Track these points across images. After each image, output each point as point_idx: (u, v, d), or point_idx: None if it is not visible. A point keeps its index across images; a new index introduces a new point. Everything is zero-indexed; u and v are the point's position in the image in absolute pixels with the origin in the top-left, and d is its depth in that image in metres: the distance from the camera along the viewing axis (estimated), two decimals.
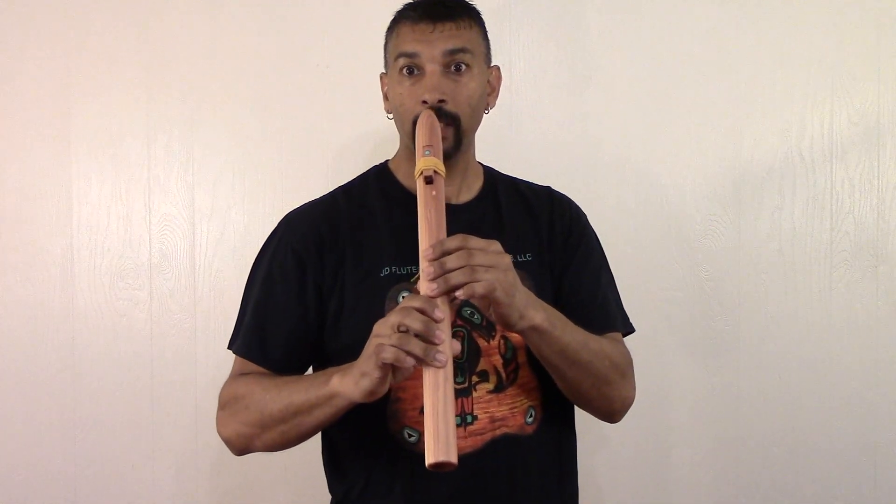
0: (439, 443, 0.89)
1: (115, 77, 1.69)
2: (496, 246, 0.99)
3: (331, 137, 1.69)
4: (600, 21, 1.69)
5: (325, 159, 1.69)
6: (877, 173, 1.70)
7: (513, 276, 0.99)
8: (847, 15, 1.68)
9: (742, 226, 1.70)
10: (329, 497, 1.23)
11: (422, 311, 0.94)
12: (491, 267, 0.96)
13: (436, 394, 0.91)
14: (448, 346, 0.94)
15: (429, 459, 0.89)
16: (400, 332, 0.93)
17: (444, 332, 0.94)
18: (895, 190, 1.69)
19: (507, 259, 0.99)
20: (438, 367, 0.92)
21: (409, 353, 0.92)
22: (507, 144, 1.66)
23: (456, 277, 0.95)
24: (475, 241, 0.97)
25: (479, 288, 0.95)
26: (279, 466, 1.69)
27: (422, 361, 0.93)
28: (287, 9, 1.69)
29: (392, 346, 0.92)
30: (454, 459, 0.89)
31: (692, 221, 1.70)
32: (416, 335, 0.93)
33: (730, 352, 1.71)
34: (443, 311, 0.95)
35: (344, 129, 1.69)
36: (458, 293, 0.96)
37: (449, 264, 0.95)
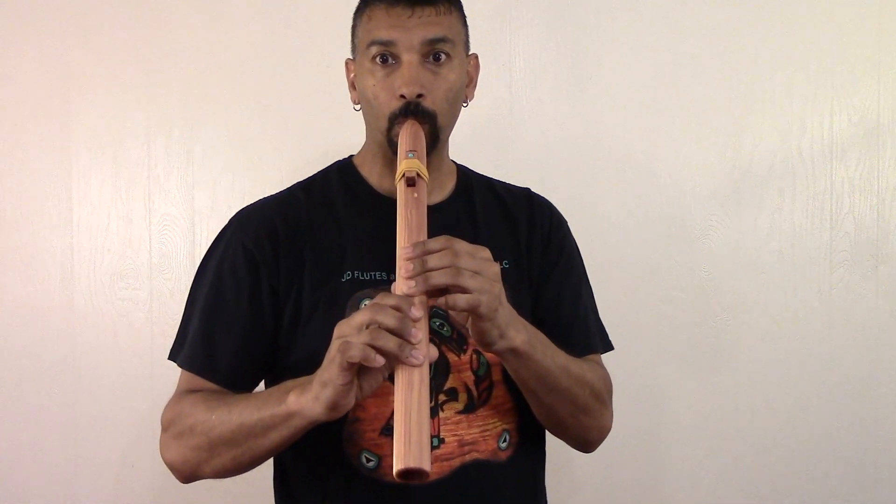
0: (411, 447, 0.78)
1: (115, 77, 1.69)
2: (485, 252, 0.89)
3: (331, 137, 1.69)
4: (600, 21, 1.69)
5: (325, 159, 1.68)
6: (877, 173, 1.70)
7: (499, 289, 0.89)
8: (847, 15, 1.68)
9: (742, 226, 1.70)
10: None
11: (396, 309, 0.83)
12: (477, 273, 0.86)
13: (409, 395, 0.81)
14: (425, 346, 0.83)
15: (397, 465, 0.78)
16: (369, 329, 0.82)
17: (420, 332, 0.83)
18: (895, 190, 1.70)
19: (496, 268, 0.89)
20: (414, 366, 0.82)
21: (379, 351, 0.81)
22: (507, 144, 1.66)
23: (437, 277, 0.85)
24: (462, 244, 0.88)
25: (461, 301, 0.85)
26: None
27: (395, 359, 0.82)
28: (287, 9, 1.69)
29: (360, 342, 0.81)
30: (427, 467, 0.78)
31: (692, 221, 1.70)
32: (389, 332, 0.82)
33: (729, 352, 1.70)
34: (420, 310, 0.84)
35: (344, 128, 1.68)
36: (439, 301, 0.86)
37: (431, 263, 0.85)
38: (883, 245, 1.70)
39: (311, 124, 1.69)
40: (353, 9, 1.68)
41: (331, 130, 1.69)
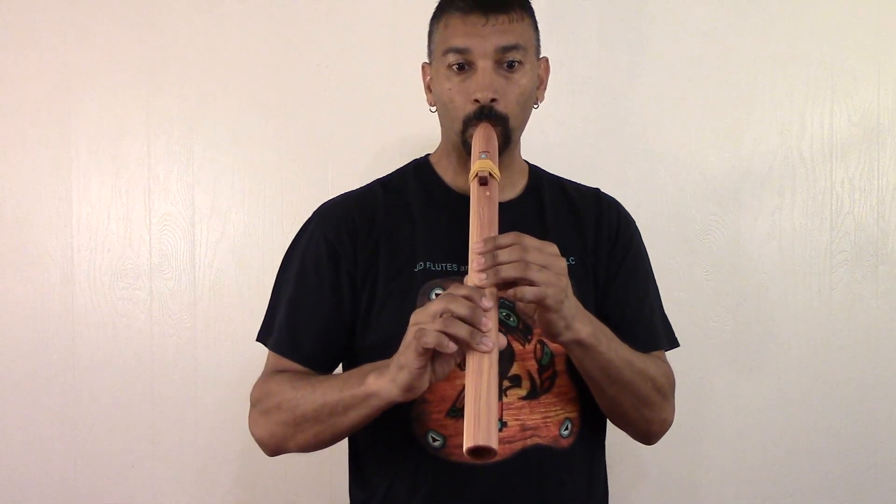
0: (480, 427, 0.83)
1: (115, 77, 1.69)
2: (553, 248, 0.94)
3: (331, 137, 1.69)
4: (600, 21, 1.69)
5: (325, 159, 1.69)
6: (877, 173, 1.70)
7: (566, 282, 0.94)
8: (847, 15, 1.68)
9: (742, 226, 1.70)
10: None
11: (468, 299, 0.89)
12: (544, 267, 0.91)
13: (479, 378, 0.86)
14: (495, 334, 0.89)
15: (467, 443, 0.83)
16: (442, 317, 0.88)
17: (490, 321, 0.89)
18: (895, 190, 1.69)
19: (563, 263, 0.94)
20: (484, 352, 0.87)
21: (451, 338, 0.87)
22: None
23: (507, 270, 0.90)
24: (531, 240, 0.93)
25: (529, 293, 0.91)
26: (279, 466, 1.69)
27: (466, 346, 0.87)
28: (287, 9, 1.69)
29: (434, 330, 0.87)
30: (495, 445, 0.83)
31: (692, 221, 1.70)
32: (461, 320, 0.88)
33: (729, 352, 1.71)
34: (490, 301, 0.90)
35: (344, 129, 1.69)
36: (509, 293, 0.92)
37: (501, 257, 0.91)
38: (883, 245, 1.70)
39: (311, 124, 1.69)
40: (352, 9, 1.69)
41: (331, 130, 1.69)
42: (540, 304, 0.92)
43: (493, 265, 0.91)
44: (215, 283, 1.70)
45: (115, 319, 1.70)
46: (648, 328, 1.18)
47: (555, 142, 1.69)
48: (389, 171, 1.24)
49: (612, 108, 1.69)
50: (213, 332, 1.69)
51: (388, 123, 1.66)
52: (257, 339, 1.17)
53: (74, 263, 1.71)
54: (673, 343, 1.23)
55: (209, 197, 1.70)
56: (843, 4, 1.68)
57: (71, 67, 1.70)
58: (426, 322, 0.89)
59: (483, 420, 0.84)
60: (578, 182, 1.26)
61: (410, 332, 0.90)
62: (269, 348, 1.15)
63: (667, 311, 1.67)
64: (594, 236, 1.18)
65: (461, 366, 0.90)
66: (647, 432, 1.16)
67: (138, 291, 1.70)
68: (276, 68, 1.69)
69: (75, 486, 1.71)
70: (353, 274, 1.11)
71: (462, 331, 0.87)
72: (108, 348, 1.70)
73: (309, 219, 1.19)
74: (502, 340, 0.90)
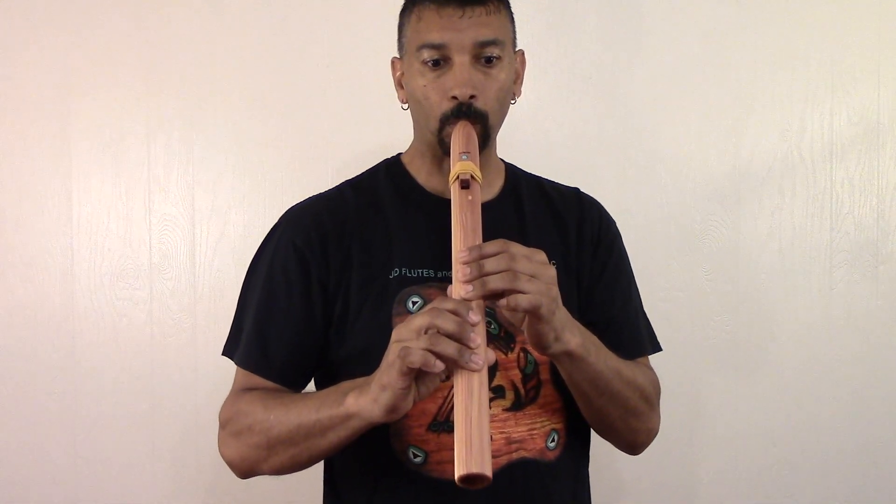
0: (472, 453, 0.77)
1: (115, 77, 1.69)
2: (541, 256, 0.89)
3: (331, 137, 1.69)
4: (600, 21, 1.69)
5: (325, 159, 1.69)
6: (877, 173, 1.70)
7: (556, 292, 0.89)
8: (847, 15, 1.68)
9: (742, 226, 1.70)
10: None
11: (454, 313, 0.83)
12: (534, 277, 0.86)
13: (469, 399, 0.80)
14: (484, 351, 0.83)
15: (459, 471, 0.77)
16: (427, 334, 0.83)
17: (479, 336, 0.83)
18: (895, 190, 1.70)
19: (553, 271, 0.89)
20: (474, 370, 0.81)
21: (439, 356, 0.81)
22: (505, 145, 1.65)
23: (495, 282, 0.85)
24: (518, 247, 0.87)
25: (523, 301, 0.85)
26: None
27: (454, 365, 0.82)
28: (288, 8, 1.69)
29: (419, 348, 0.81)
30: (489, 473, 0.77)
31: (692, 221, 1.70)
32: (448, 337, 0.82)
33: (729, 352, 1.70)
34: (478, 315, 0.84)
35: (344, 128, 1.69)
36: (500, 303, 0.86)
37: (488, 267, 0.85)
38: (883, 245, 1.70)
39: (311, 124, 1.69)
40: (351, 9, 1.69)
41: (331, 130, 1.69)
42: (533, 313, 0.87)
43: (479, 276, 0.85)
44: (215, 283, 1.70)
45: (115, 319, 1.70)
46: (634, 332, 1.14)
47: (555, 142, 1.69)
48: None
49: (612, 108, 1.69)
50: (213, 332, 1.69)
51: (388, 123, 1.66)
52: (223, 354, 1.11)
53: (74, 263, 1.70)
54: (656, 347, 1.18)
55: (209, 197, 1.70)
56: (843, 4, 1.68)
57: (71, 67, 1.70)
58: (410, 339, 0.83)
59: (476, 445, 0.78)
60: (558, 182, 1.22)
61: (393, 349, 0.84)
62: (237, 364, 1.08)
63: (666, 311, 1.67)
64: (576, 238, 1.13)
65: (445, 379, 0.86)
66: (634, 442, 1.12)
67: (138, 291, 1.70)
68: (277, 68, 1.69)
69: (75, 486, 1.71)
70: (324, 281, 1.05)
71: (450, 348, 0.81)
72: (108, 348, 1.70)
73: (275, 224, 1.12)
74: (491, 356, 0.84)
